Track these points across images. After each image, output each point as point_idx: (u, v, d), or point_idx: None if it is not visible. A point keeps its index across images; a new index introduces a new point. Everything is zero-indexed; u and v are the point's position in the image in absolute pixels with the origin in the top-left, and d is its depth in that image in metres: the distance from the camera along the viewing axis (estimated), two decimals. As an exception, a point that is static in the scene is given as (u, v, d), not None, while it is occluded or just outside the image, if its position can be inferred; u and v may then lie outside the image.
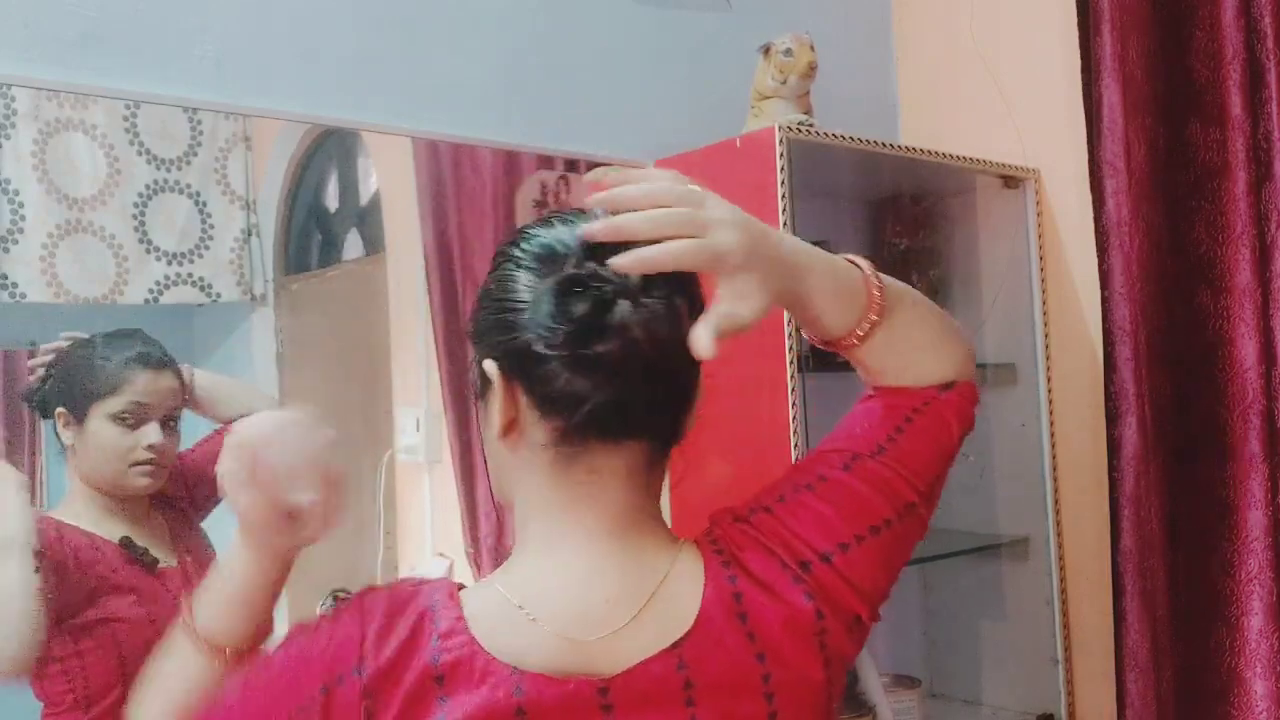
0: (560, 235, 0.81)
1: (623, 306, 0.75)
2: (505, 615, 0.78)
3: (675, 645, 0.77)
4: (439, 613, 0.77)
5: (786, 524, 0.84)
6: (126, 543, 1.46)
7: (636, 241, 0.76)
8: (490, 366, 0.80)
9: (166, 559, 1.51)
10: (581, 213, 0.84)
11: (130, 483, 1.48)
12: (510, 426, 0.81)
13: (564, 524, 0.81)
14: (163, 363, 1.52)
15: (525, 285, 0.79)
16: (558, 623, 0.77)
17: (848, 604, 0.82)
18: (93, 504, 1.47)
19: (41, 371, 1.49)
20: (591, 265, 0.76)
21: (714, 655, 0.78)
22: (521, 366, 0.79)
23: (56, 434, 1.48)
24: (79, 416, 1.47)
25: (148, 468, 1.48)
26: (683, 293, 0.79)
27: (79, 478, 1.48)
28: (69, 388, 1.48)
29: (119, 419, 1.46)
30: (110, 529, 1.47)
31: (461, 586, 0.81)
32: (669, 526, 0.87)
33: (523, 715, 0.73)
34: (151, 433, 1.48)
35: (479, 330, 0.84)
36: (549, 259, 0.79)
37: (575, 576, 0.79)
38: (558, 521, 0.81)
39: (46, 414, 1.48)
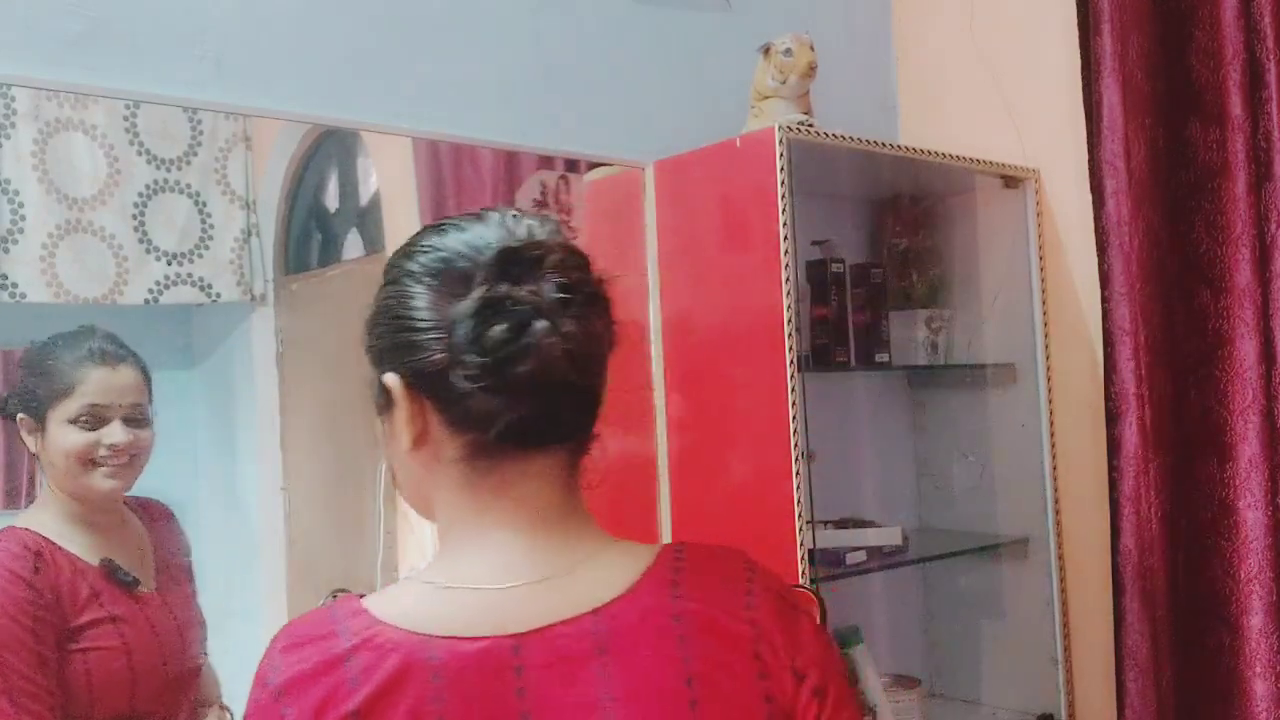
0: (458, 247, 0.79)
1: (540, 326, 0.75)
2: (416, 593, 0.79)
3: (594, 611, 0.77)
4: (339, 614, 0.78)
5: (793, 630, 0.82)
6: (109, 565, 1.40)
7: (549, 257, 0.76)
8: (393, 380, 0.80)
9: (145, 578, 1.46)
10: (474, 215, 0.82)
11: (97, 485, 1.41)
12: (420, 439, 0.81)
13: (481, 531, 0.80)
14: (118, 357, 1.45)
15: (427, 304, 0.78)
16: (471, 587, 0.78)
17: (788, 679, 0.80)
18: (64, 511, 1.41)
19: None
20: (504, 286, 0.75)
21: (633, 630, 0.77)
22: (431, 386, 0.78)
23: (22, 441, 1.41)
24: (40, 422, 1.41)
25: (111, 468, 1.42)
26: (597, 310, 0.79)
27: (51, 484, 1.41)
28: (28, 393, 1.42)
29: (77, 422, 1.40)
30: (86, 543, 1.41)
31: (363, 595, 0.81)
32: (596, 524, 0.85)
33: (439, 678, 0.74)
34: (113, 432, 1.42)
35: (378, 347, 0.83)
36: (450, 275, 0.78)
37: (492, 564, 0.79)
38: (475, 528, 0.81)
39: (12, 421, 1.42)
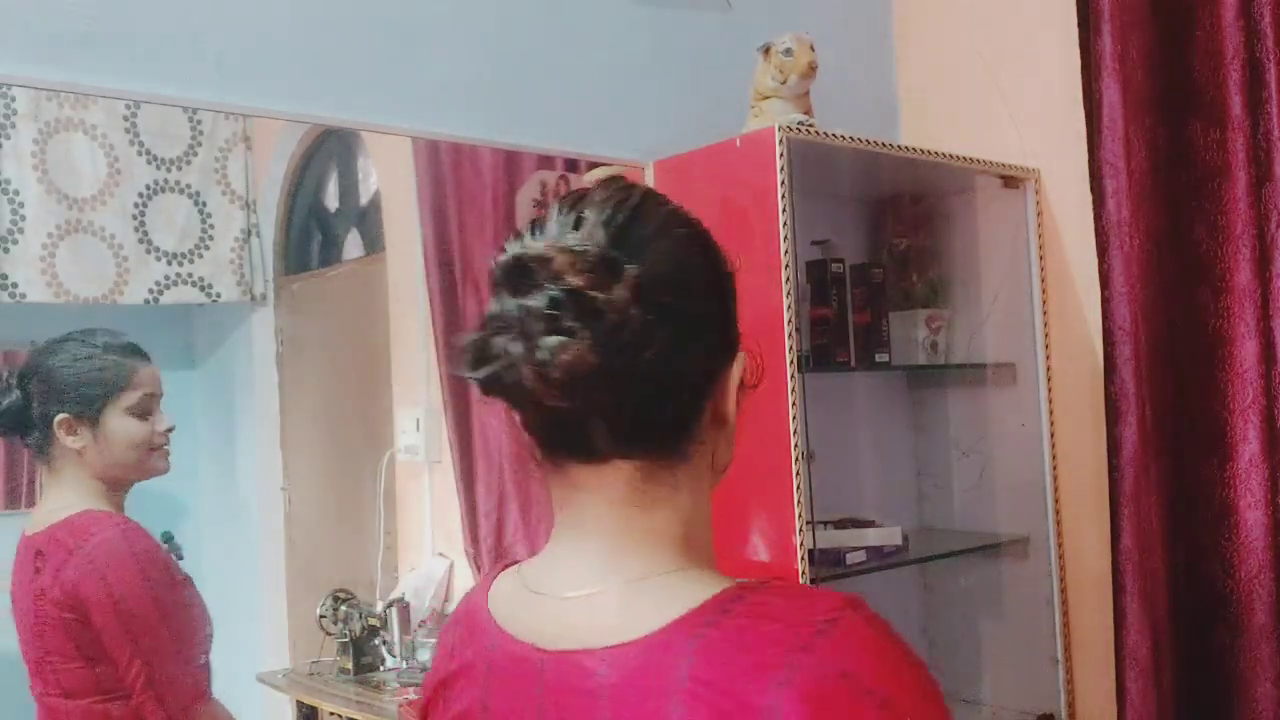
0: (502, 253, 0.76)
1: (513, 348, 0.71)
2: (509, 581, 0.81)
3: (607, 649, 0.71)
4: (485, 577, 0.84)
5: None
6: (168, 537, 1.53)
7: (551, 264, 0.71)
8: None
9: None
10: (550, 211, 0.78)
11: (155, 467, 1.55)
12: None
13: (555, 532, 0.81)
14: (148, 354, 1.58)
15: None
16: (529, 589, 0.79)
17: None
18: (104, 500, 1.50)
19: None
20: (500, 301, 0.74)
21: (631, 682, 0.69)
22: None
23: (47, 442, 1.49)
24: (90, 418, 1.50)
25: (165, 450, 1.55)
26: (603, 321, 0.70)
27: (92, 476, 1.50)
28: (66, 393, 1.50)
29: (134, 412, 1.51)
30: None
31: (514, 562, 0.84)
32: (690, 558, 0.77)
33: (490, 671, 0.76)
34: (162, 419, 1.54)
35: None
36: (491, 282, 0.77)
37: (550, 568, 0.79)
38: (556, 527, 0.81)
39: (29, 427, 1.50)
